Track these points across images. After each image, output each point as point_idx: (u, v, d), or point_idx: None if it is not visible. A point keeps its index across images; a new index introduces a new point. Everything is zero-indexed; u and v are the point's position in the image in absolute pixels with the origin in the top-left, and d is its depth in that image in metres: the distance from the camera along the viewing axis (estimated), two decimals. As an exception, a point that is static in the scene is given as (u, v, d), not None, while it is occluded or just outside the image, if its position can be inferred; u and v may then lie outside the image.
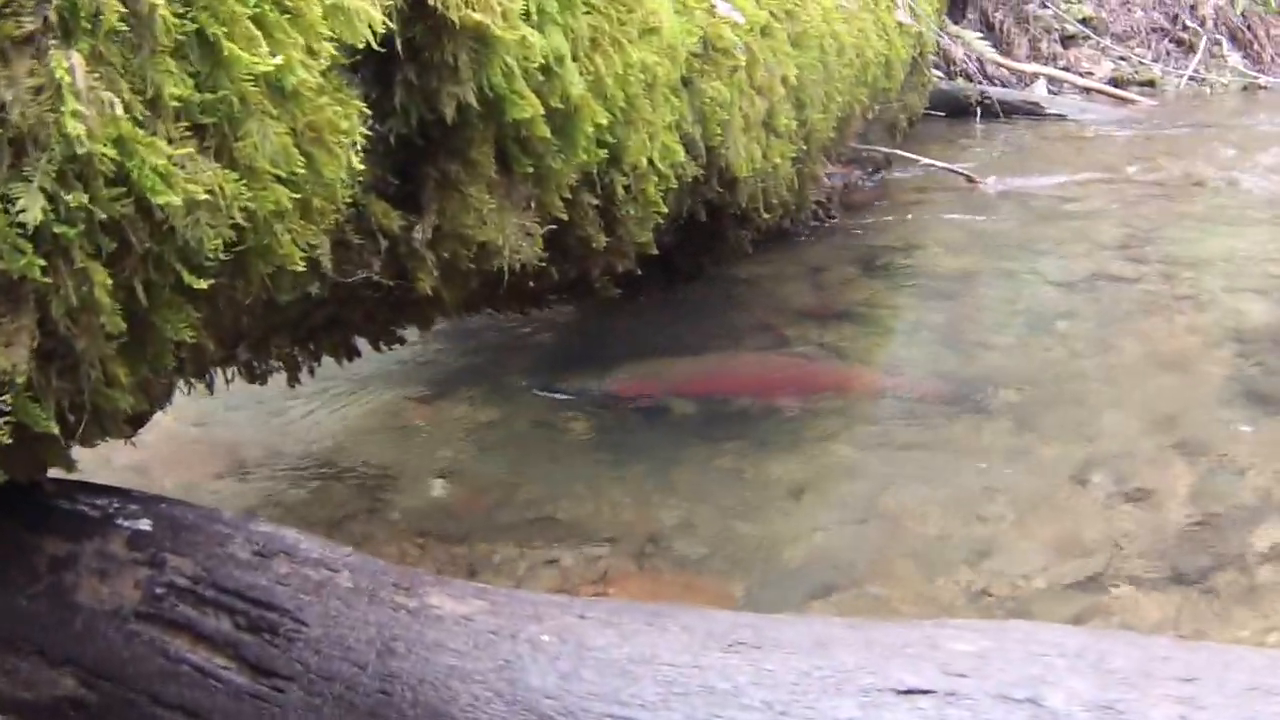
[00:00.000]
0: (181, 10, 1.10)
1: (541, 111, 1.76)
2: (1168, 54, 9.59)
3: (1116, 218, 5.17)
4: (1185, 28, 9.71)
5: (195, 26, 1.12)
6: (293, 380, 2.20)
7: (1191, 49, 9.52)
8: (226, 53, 1.13)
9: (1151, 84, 8.96)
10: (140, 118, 1.09)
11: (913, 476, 2.78)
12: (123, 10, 1.04)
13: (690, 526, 2.55)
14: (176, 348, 1.35)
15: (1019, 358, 3.57)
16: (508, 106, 1.69)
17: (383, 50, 1.48)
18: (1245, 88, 8.95)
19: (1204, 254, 4.58)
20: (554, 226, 2.04)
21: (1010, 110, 7.77)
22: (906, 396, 3.32)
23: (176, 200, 1.10)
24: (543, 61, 1.74)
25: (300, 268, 1.35)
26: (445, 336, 3.71)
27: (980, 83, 8.25)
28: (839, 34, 3.74)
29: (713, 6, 2.68)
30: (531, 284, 2.23)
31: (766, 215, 3.26)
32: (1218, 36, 9.68)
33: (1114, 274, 4.29)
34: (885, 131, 5.83)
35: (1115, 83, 8.79)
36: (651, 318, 3.81)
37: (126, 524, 1.62)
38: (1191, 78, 9.11)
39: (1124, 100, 8.31)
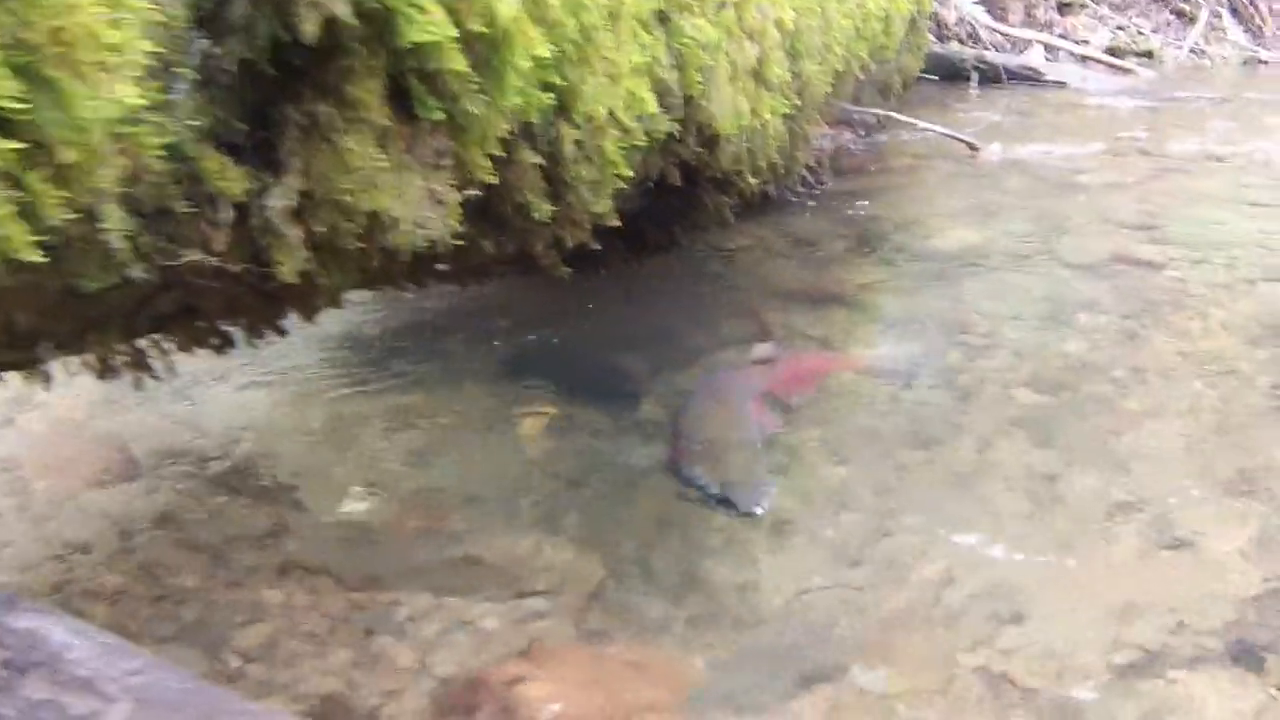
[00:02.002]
0: None
1: (454, 35, 1.25)
2: (1167, 25, 9.62)
3: (1133, 193, 4.75)
4: (1186, -1, 9.58)
5: None
6: (139, 381, 1.70)
7: (1192, 21, 9.49)
8: None
9: (1150, 55, 9.06)
10: None
11: (916, 509, 2.30)
12: None
13: (648, 572, 2.06)
14: None
15: (1035, 355, 3.10)
16: (402, 26, 1.18)
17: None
18: (1245, 62, 8.87)
19: (1232, 236, 4.13)
20: (480, 191, 1.56)
21: (1008, 76, 7.50)
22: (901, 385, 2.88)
23: None
24: (456, -35, 1.23)
25: (37, 257, 0.85)
26: (388, 303, 3.22)
27: (973, 47, 7.95)
28: (841, -22, 3.26)
29: (697, -73, 2.19)
30: (451, 263, 1.73)
31: (752, 179, 2.77)
32: (1218, 9, 9.62)
33: (1136, 257, 3.85)
34: (878, 93, 5.44)
35: (1113, 52, 8.79)
36: (614, 297, 3.32)
37: None
38: (1191, 50, 8.99)
39: (1123, 70, 8.09)
